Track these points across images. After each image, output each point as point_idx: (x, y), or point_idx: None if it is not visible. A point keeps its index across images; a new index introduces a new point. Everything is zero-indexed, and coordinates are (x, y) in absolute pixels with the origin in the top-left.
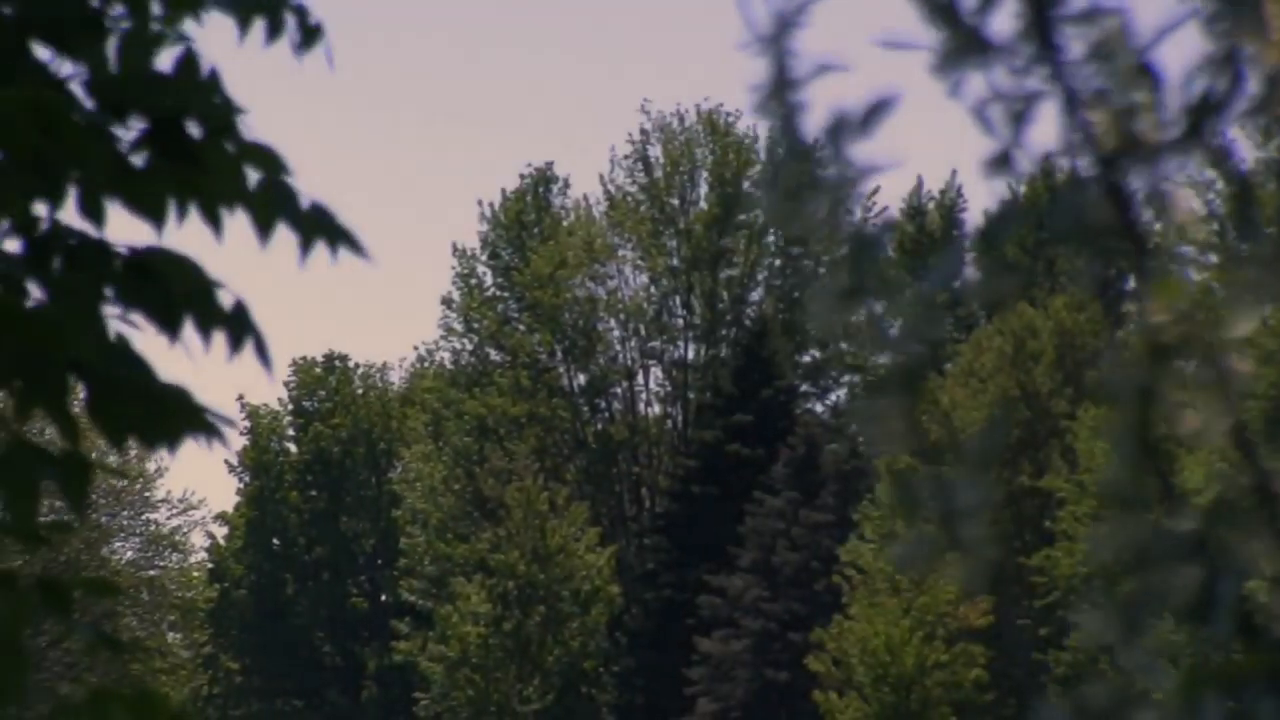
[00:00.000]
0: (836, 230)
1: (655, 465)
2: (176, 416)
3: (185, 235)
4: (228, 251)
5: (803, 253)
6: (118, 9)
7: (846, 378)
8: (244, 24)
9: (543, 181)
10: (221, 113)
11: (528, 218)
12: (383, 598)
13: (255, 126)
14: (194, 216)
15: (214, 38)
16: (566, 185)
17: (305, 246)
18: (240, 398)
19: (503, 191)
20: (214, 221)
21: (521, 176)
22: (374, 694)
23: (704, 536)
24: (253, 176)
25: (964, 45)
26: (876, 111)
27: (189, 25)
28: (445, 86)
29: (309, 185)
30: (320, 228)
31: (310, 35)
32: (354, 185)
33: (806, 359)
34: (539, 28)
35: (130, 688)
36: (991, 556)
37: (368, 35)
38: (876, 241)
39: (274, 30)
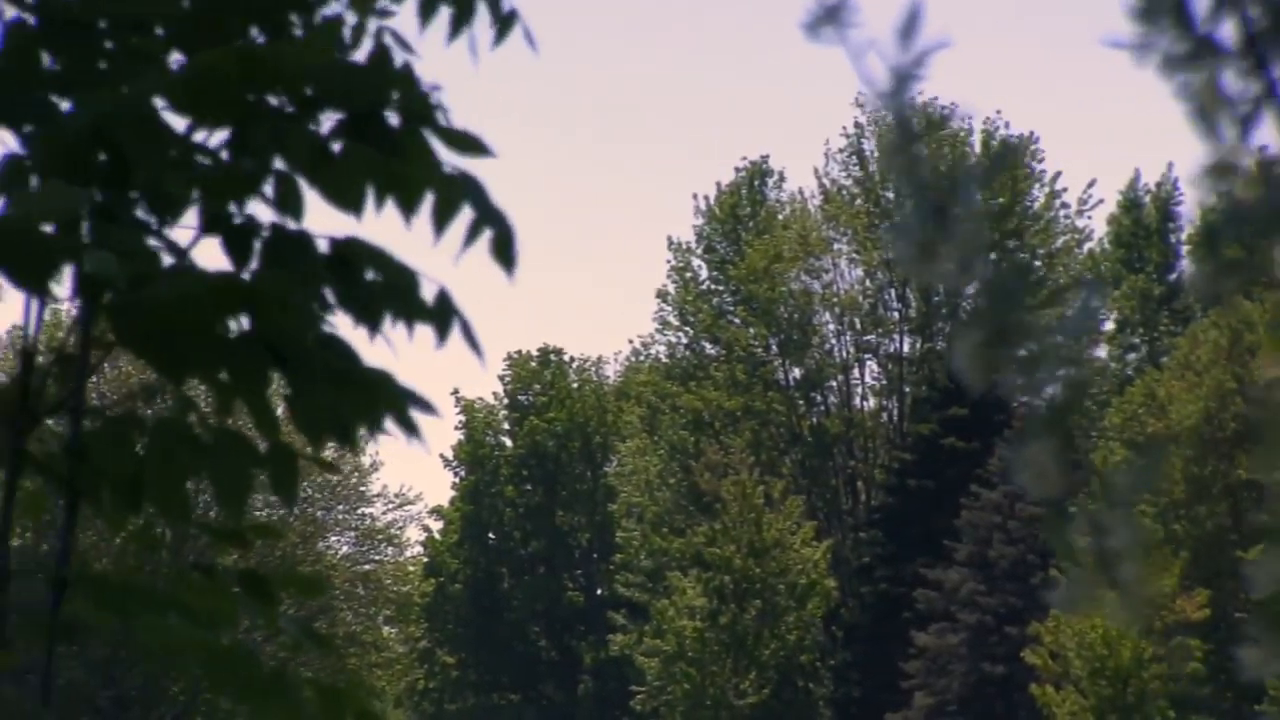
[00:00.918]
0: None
1: (871, 459)
2: (379, 402)
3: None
4: (436, 246)
5: (1018, 246)
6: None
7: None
8: (426, 13)
9: (758, 175)
10: (420, 103)
11: (743, 211)
12: (598, 592)
13: (460, 118)
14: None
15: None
16: (782, 179)
17: (468, 242)
18: (455, 392)
19: (718, 185)
20: (410, 212)
21: (737, 170)
22: (590, 688)
23: (920, 530)
24: (448, 166)
25: (1195, 49)
26: (1002, 157)
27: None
28: (663, 81)
29: (522, 181)
30: (488, 221)
31: (505, 23)
32: (571, 179)
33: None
34: (756, 22)
35: (344, 683)
36: (1147, 594)
37: (587, 30)
38: (1014, 293)
39: (461, 19)
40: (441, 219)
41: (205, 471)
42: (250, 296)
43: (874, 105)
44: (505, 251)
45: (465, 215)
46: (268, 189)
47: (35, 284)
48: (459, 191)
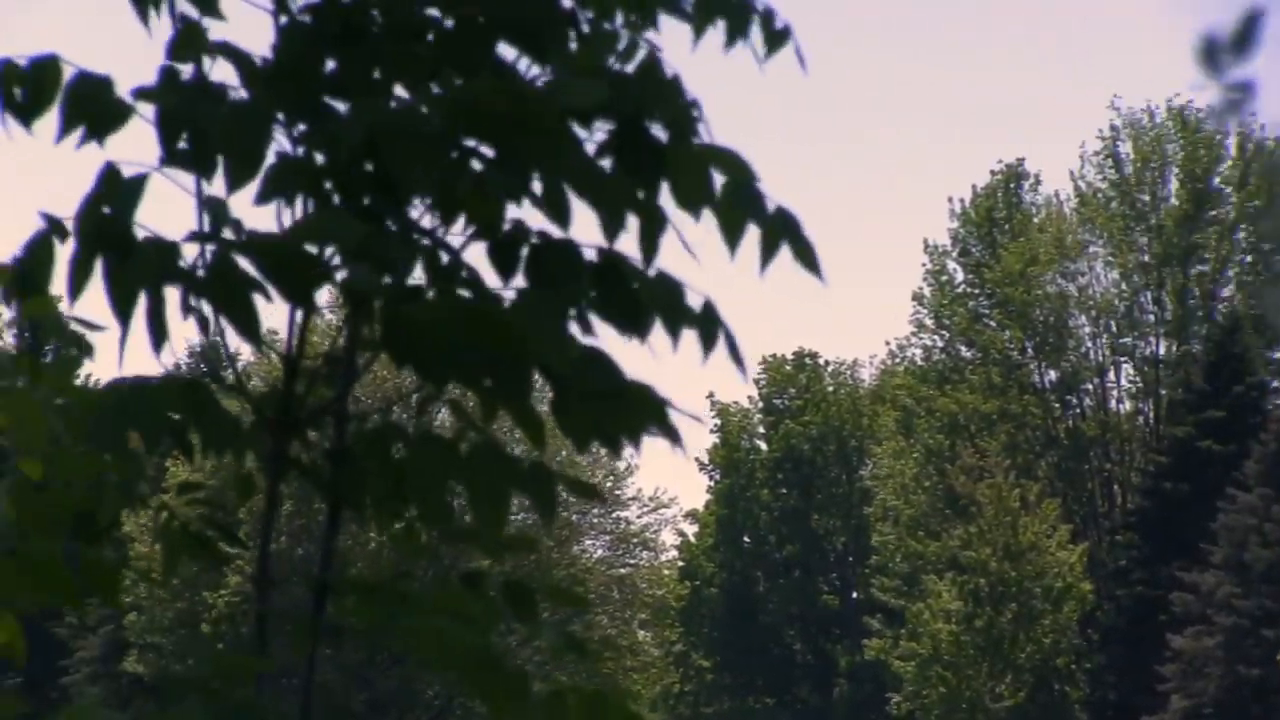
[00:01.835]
0: None
1: (1127, 461)
2: (640, 414)
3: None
4: (734, 262)
5: (1274, 249)
6: (588, 13)
7: None
8: (700, 27)
9: (1013, 178)
10: (685, 115)
11: (999, 214)
12: (854, 595)
13: (718, 129)
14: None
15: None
16: (1037, 182)
17: (768, 252)
18: (710, 395)
19: (974, 188)
20: (654, 226)
21: (992, 173)
22: (845, 692)
23: (1176, 533)
24: (717, 180)
25: None
26: None
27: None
28: (917, 84)
29: (778, 185)
30: (785, 232)
31: (776, 39)
32: (826, 183)
33: (1278, 355)
34: (1009, 25)
35: (599, 686)
36: None
37: (843, 33)
38: None
39: (735, 33)
40: (731, 232)
41: (463, 483)
42: (506, 327)
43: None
44: (808, 256)
45: (753, 227)
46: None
47: (301, 298)
48: (739, 204)
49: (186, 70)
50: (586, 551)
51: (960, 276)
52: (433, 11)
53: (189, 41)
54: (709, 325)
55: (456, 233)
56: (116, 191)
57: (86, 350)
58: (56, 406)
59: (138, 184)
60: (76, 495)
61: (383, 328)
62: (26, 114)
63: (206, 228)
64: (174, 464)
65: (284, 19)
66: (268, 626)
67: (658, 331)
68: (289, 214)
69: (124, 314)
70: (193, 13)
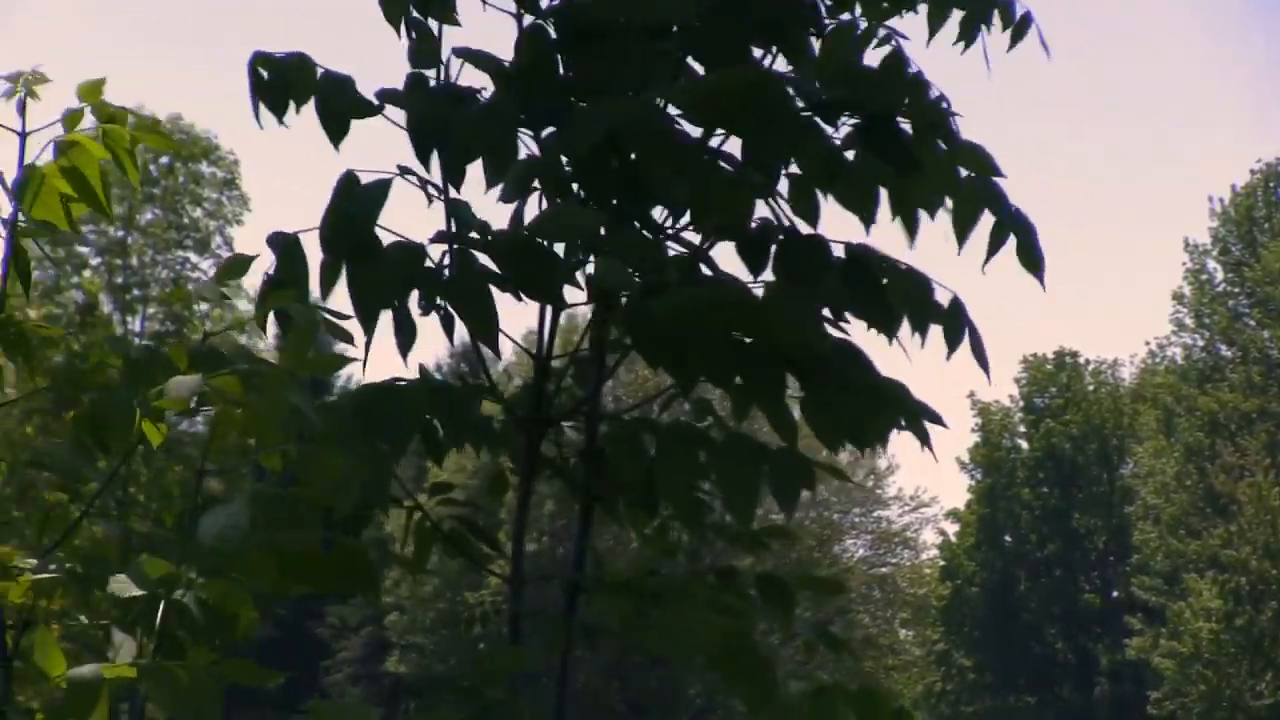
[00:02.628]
0: None
1: None
2: (892, 411)
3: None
4: (934, 249)
5: None
6: (837, 12)
7: None
8: (935, 19)
9: (1274, 178)
10: (931, 111)
11: (1258, 214)
12: (1114, 594)
13: (967, 126)
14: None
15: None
16: None
17: (994, 246)
18: (971, 394)
19: (1233, 187)
20: (910, 220)
21: (1252, 172)
22: (1106, 691)
23: None
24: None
25: None
26: None
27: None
28: (1178, 81)
29: (1029, 183)
30: (1014, 229)
31: (1019, 28)
32: (1084, 182)
33: None
34: (1271, 23)
35: (860, 684)
36: None
37: (1094, 30)
38: None
39: (974, 23)
40: (962, 226)
41: (714, 474)
42: (758, 314)
43: None
44: (1030, 256)
45: (986, 222)
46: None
47: (545, 295)
48: (978, 199)
49: (425, 76)
50: (848, 551)
51: (1220, 276)
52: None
53: (428, 49)
54: (954, 322)
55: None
56: (357, 198)
57: (345, 337)
58: (315, 405)
59: (380, 190)
60: (325, 493)
61: (630, 324)
62: (279, 107)
63: (452, 229)
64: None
65: (528, 21)
66: (522, 626)
67: (920, 334)
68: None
69: (369, 318)
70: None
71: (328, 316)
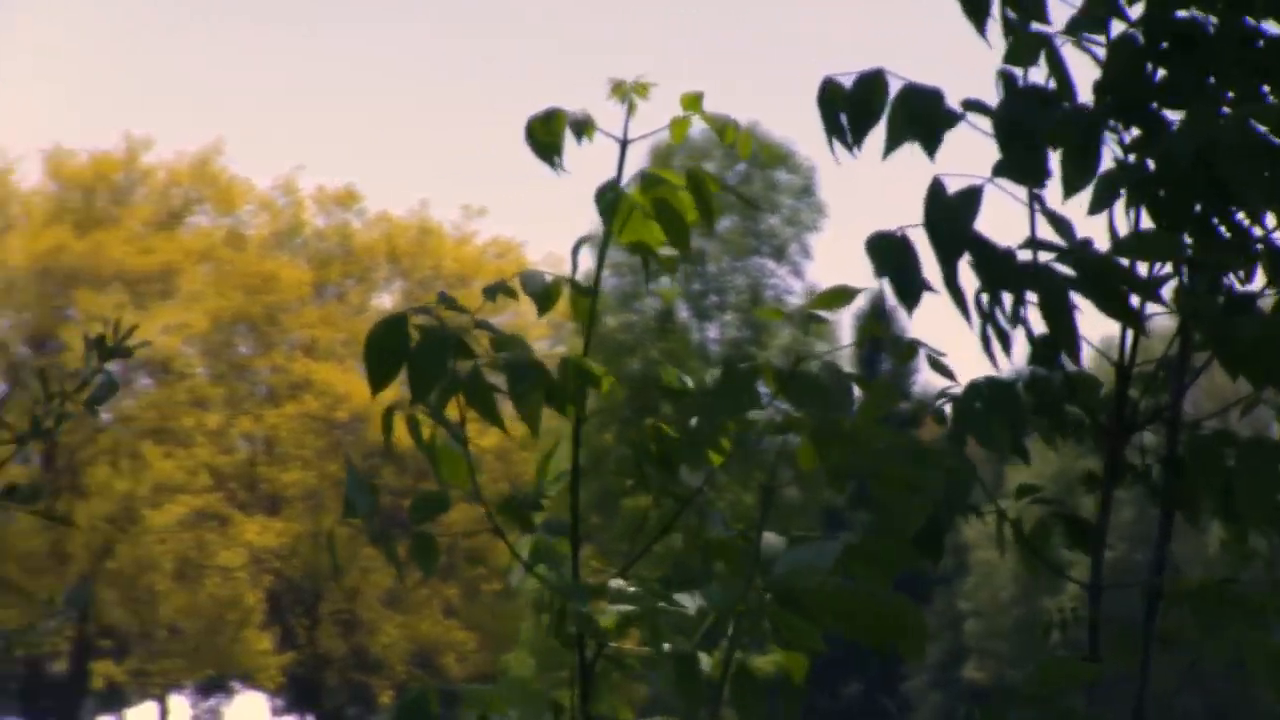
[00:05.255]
0: None
1: None
2: None
3: None
4: None
5: None
6: None
7: None
8: None
9: None
10: None
11: None
12: None
13: None
14: None
15: None
16: None
17: None
18: None
19: None
20: None
21: None
22: None
23: None
24: None
25: None
26: None
27: None
28: None
29: None
30: None
31: None
32: None
33: None
34: None
35: None
36: None
37: None
38: None
39: None
40: None
41: None
42: None
43: None
44: None
45: None
46: None
47: (1124, 317)
48: None
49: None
50: None
51: None
52: (1268, 24)
53: (1025, 49)
54: None
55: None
56: (945, 206)
57: (946, 374)
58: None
59: (969, 197)
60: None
61: (1214, 341)
62: (856, 133)
63: (1037, 235)
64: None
65: (1117, 30)
66: (1099, 634)
67: None
68: (1124, 222)
69: (988, 317)
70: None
71: (927, 350)
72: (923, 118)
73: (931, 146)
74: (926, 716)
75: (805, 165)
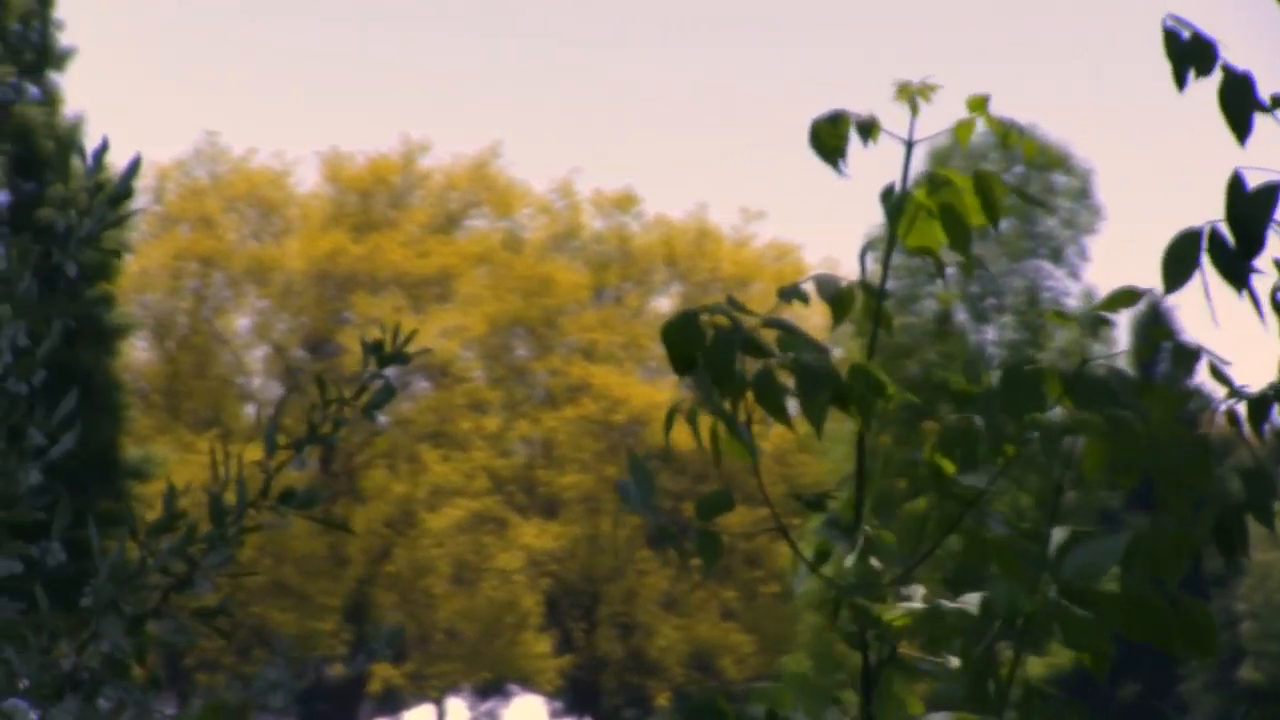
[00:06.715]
0: None
1: None
2: None
3: None
4: None
5: None
6: None
7: None
8: None
9: None
10: None
11: None
12: None
13: None
14: None
15: None
16: None
17: None
18: None
19: None
20: None
21: None
22: None
23: None
24: None
25: None
26: None
27: None
28: None
29: None
30: None
31: None
32: None
33: None
34: None
35: None
36: None
37: None
38: None
39: None
40: None
41: None
42: None
43: None
44: None
45: None
46: None
47: None
48: None
49: None
50: None
51: None
52: None
53: None
54: None
55: None
56: (1244, 201)
57: (1226, 383)
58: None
59: (1272, 192)
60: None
61: None
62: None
63: None
64: None
65: None
66: None
67: None
68: None
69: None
70: None
71: (1210, 356)
72: (1236, 101)
73: (1242, 132)
74: (1202, 719)
75: (1082, 168)
